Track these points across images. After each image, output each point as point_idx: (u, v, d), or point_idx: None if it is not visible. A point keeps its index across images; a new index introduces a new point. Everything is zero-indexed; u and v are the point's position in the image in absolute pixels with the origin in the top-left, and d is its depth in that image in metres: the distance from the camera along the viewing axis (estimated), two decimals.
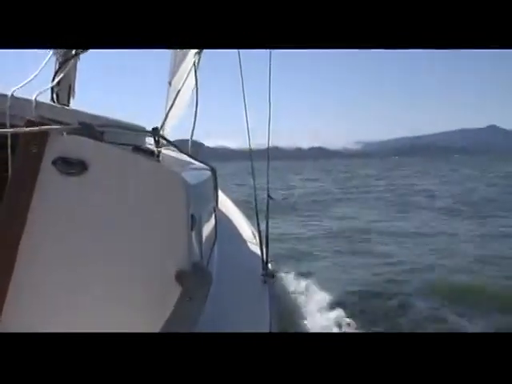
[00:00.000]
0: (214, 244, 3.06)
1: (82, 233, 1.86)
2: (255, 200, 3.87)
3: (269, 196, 3.84)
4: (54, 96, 3.18)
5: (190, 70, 2.99)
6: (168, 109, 3.10)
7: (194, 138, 3.34)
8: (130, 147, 2.11)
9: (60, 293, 1.85)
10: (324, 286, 6.51)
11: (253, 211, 4.09)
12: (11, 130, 1.82)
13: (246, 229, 4.89)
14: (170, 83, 4.39)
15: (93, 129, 1.89)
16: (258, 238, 4.01)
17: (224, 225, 4.15)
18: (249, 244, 4.34)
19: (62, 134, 1.83)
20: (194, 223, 2.03)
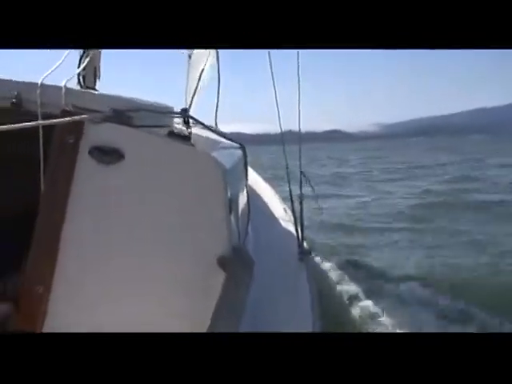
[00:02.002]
0: (247, 223, 3.01)
1: (122, 221, 1.86)
2: (288, 177, 3.77)
3: (301, 173, 3.75)
4: (81, 79, 3.14)
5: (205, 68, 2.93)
6: (194, 88, 3.04)
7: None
8: (164, 131, 2.08)
9: (102, 280, 1.86)
10: None
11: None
12: (44, 121, 1.81)
13: (277, 205, 4.77)
14: (189, 56, 4.26)
15: (126, 115, 1.89)
16: (291, 215, 3.94)
17: (255, 202, 4.02)
18: (281, 221, 4.25)
19: (97, 123, 1.82)
20: (232, 206, 2.01)
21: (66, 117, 1.78)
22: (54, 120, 1.78)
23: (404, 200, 15.44)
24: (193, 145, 2.01)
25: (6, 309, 2.09)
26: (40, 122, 1.80)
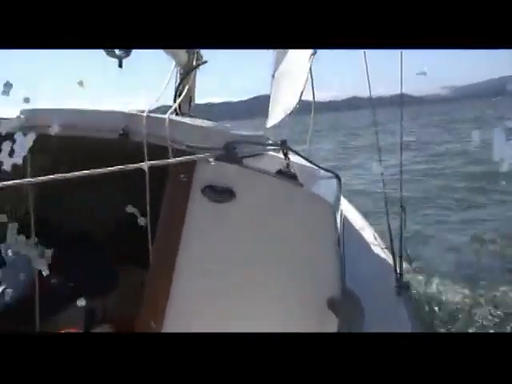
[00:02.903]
0: (344, 256, 2.87)
1: (232, 259, 1.91)
2: (386, 207, 3.44)
3: (401, 206, 3.44)
4: (177, 107, 3.15)
5: (307, 78, 2.79)
6: (289, 111, 2.93)
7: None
8: (273, 169, 2.07)
9: (211, 317, 1.90)
10: None
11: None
12: (151, 162, 1.82)
13: (366, 232, 4.46)
14: (273, 76, 4.08)
15: (234, 151, 1.93)
16: (381, 242, 3.81)
17: (346, 230, 3.72)
18: (374, 250, 3.99)
19: (208, 160, 1.88)
20: (340, 246, 2.00)
21: (177, 155, 1.83)
22: (161, 161, 1.83)
23: None
24: (302, 184, 2.02)
25: (107, 330, 2.26)
26: (147, 162, 1.83)
